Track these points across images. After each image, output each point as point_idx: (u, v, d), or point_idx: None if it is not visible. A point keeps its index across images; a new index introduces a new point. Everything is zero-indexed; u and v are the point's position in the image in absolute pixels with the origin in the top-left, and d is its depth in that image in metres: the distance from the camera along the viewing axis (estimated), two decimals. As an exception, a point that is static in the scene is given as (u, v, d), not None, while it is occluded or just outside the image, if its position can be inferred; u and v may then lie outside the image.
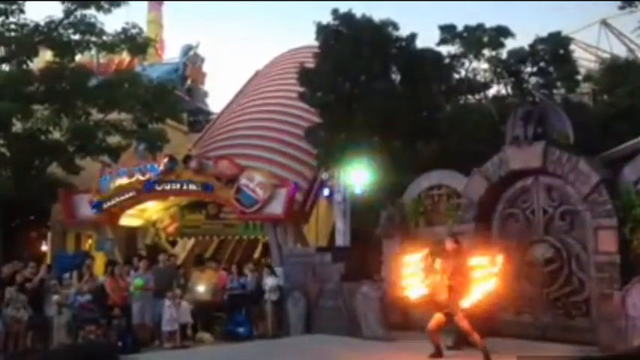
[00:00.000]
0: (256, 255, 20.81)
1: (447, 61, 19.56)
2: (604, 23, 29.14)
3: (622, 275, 10.75)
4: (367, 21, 18.40)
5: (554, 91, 18.88)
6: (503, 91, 19.98)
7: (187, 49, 30.41)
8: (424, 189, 13.91)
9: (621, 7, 18.76)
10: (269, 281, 14.98)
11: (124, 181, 17.98)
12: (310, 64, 19.28)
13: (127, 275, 14.48)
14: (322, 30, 18.56)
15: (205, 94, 32.50)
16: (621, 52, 25.48)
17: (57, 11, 18.72)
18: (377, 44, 17.93)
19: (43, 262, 15.96)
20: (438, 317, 9.78)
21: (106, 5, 18.65)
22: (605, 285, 10.85)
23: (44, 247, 21.54)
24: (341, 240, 15.85)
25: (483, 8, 63.72)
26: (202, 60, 31.72)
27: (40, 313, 13.17)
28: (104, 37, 19.14)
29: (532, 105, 12.78)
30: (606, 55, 25.82)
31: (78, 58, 20.32)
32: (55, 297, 13.21)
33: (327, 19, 18.65)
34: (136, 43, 19.71)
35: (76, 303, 13.44)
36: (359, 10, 18.63)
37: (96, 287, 14.01)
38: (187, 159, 18.02)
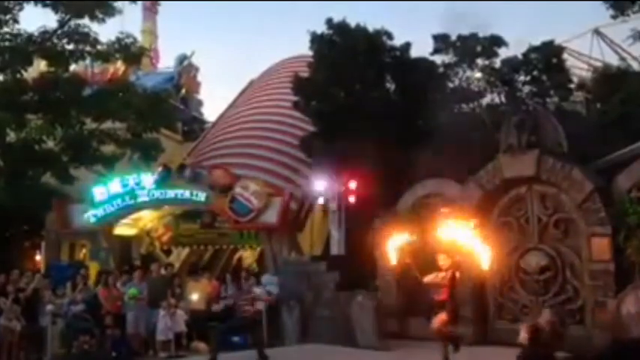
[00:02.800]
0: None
1: (440, 70, 19.68)
2: (596, 32, 29.28)
3: (616, 283, 10.79)
4: (361, 30, 18.50)
5: (548, 100, 19.01)
6: (497, 100, 20.12)
7: (182, 59, 30.39)
8: (419, 197, 13.94)
9: (614, 16, 18.91)
10: (257, 291, 15.01)
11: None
12: (305, 73, 19.34)
13: (122, 285, 14.42)
14: (317, 39, 18.64)
15: (200, 103, 32.49)
16: (614, 60, 25.64)
17: (51, 21, 18.74)
18: (371, 53, 18.03)
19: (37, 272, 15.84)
20: None
21: (100, 15, 18.65)
22: (600, 293, 10.89)
23: (38, 257, 21.43)
24: (336, 249, 15.82)
25: (477, 17, 63.98)
26: (197, 69, 31.70)
27: (33, 324, 13.08)
28: (98, 47, 19.13)
29: (526, 113, 12.84)
30: (599, 64, 25.94)
31: (72, 67, 20.30)
32: (49, 307, 13.13)
33: (321, 28, 18.75)
34: (130, 52, 19.72)
35: (70, 313, 13.36)
36: (353, 19, 18.73)
37: (90, 297, 13.94)
38: (182, 168, 17.98)
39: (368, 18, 20.31)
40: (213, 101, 71.49)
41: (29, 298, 13.22)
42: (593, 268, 11.11)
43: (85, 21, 18.69)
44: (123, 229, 18.95)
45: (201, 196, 17.25)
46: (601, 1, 18.23)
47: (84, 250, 19.50)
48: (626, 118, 16.59)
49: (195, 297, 15.04)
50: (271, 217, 16.69)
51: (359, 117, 17.23)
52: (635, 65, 22.81)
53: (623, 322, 10.27)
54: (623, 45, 24.12)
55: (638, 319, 10.16)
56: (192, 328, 14.34)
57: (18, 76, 18.62)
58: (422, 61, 19.05)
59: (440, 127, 18.22)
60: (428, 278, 9.54)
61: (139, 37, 25.14)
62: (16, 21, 18.52)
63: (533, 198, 12.19)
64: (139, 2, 23.36)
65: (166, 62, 32.79)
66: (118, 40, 19.34)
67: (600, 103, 19.82)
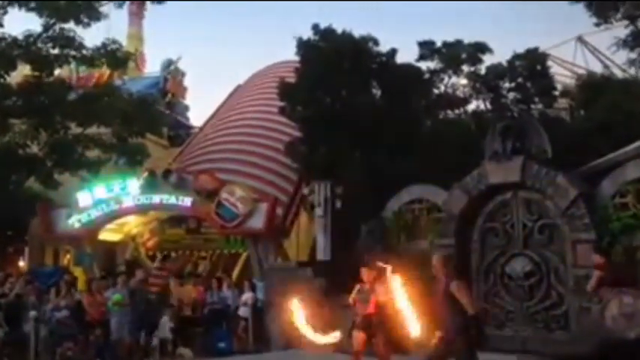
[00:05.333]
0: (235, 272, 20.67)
1: (426, 76, 19.75)
2: (580, 40, 29.60)
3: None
4: (347, 36, 18.53)
5: (532, 106, 19.13)
6: (482, 107, 20.24)
7: (168, 64, 30.32)
8: (405, 203, 13.97)
9: (597, 24, 19.10)
10: (244, 297, 14.99)
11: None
12: (291, 78, 19.34)
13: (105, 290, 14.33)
14: (303, 45, 18.64)
15: (186, 108, 32.40)
16: (597, 68, 25.93)
17: (36, 25, 18.61)
18: (357, 59, 18.06)
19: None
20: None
21: (85, 19, 18.54)
22: (584, 298, 10.96)
23: (21, 263, 21.24)
24: (322, 254, 15.81)
25: (462, 24, 64.59)
26: (183, 74, 31.64)
27: (16, 330, 12.95)
28: (83, 51, 19.01)
29: (511, 120, 12.93)
30: (582, 71, 26.19)
31: (57, 72, 20.17)
32: (33, 313, 13.01)
33: (307, 34, 18.78)
34: (115, 57, 19.61)
35: (53, 319, 13.25)
36: (339, 25, 18.79)
37: (73, 303, 13.83)
38: (167, 173, 17.91)
39: (354, 24, 20.36)
40: (200, 106, 71.54)
41: (12, 304, 13.10)
42: (578, 274, 11.19)
43: (71, 25, 18.58)
44: (108, 234, 18.84)
45: (187, 202, 17.20)
46: (584, 9, 18.42)
47: (68, 256, 19.36)
48: (609, 125, 16.74)
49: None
50: (257, 222, 16.68)
51: (345, 122, 17.26)
52: (618, 72, 23.06)
53: (607, 328, 10.34)
54: (606, 52, 24.42)
55: (622, 324, 10.25)
56: (177, 334, 14.28)
57: (2, 80, 18.46)
58: (408, 68, 19.11)
59: (425, 134, 18.30)
60: (353, 295, 9.50)
61: (125, 42, 25.07)
62: (0, 25, 18.38)
63: (519, 204, 12.25)
64: (125, 7, 23.32)
65: (152, 67, 32.75)
66: (104, 45, 19.23)
67: (584, 110, 19.99)
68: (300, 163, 18.44)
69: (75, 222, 17.69)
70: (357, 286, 9.48)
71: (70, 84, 20.72)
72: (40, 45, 18.70)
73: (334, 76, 17.74)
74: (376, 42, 18.67)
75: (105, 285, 14.58)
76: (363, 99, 17.84)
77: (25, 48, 18.47)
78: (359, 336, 9.26)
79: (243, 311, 14.81)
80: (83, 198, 17.76)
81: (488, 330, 11.93)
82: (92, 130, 19.50)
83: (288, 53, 20.86)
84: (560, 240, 11.70)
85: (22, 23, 18.91)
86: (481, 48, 19.74)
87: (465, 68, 19.97)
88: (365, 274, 9.45)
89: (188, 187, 17.36)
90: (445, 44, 20.06)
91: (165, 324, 13.93)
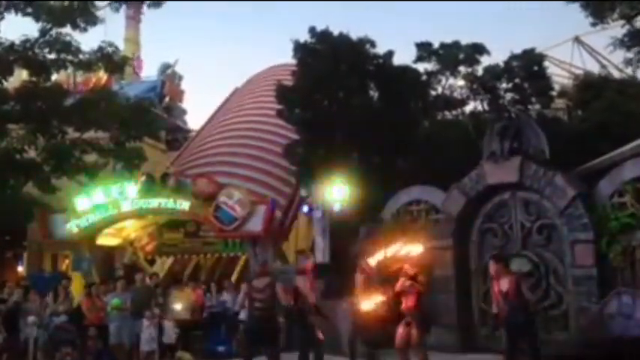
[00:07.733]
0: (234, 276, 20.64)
1: (423, 77, 19.78)
2: (577, 40, 29.62)
3: (599, 288, 10.86)
4: (344, 38, 18.54)
5: (530, 107, 19.16)
6: (480, 107, 20.28)
7: (165, 67, 30.35)
8: (403, 204, 13.95)
9: (593, 24, 19.11)
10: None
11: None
12: (288, 81, 19.35)
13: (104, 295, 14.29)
14: (300, 47, 18.66)
15: (183, 112, 32.42)
16: (594, 68, 25.97)
17: (32, 30, 18.59)
18: (354, 61, 18.07)
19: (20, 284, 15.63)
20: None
21: (82, 24, 18.52)
22: (583, 298, 10.95)
23: (20, 268, 21.20)
24: (320, 257, 15.79)
25: (459, 25, 64.72)
26: (180, 78, 31.67)
27: (15, 335, 12.91)
28: (80, 56, 18.98)
29: (508, 120, 12.93)
30: (579, 72, 26.22)
31: (54, 76, 20.14)
32: (32, 318, 12.96)
33: (304, 37, 18.79)
34: (112, 61, 19.58)
35: (52, 324, 13.22)
36: (336, 28, 18.80)
37: (72, 308, 13.79)
38: (165, 177, 17.88)
39: (351, 26, 20.37)
40: (197, 110, 71.61)
41: (11, 310, 13.06)
42: (576, 274, 11.18)
43: (67, 30, 18.56)
44: (106, 239, 18.79)
45: (185, 205, 17.18)
46: (581, 9, 18.43)
47: (67, 261, 19.31)
48: (607, 125, 16.76)
49: (178, 307, 14.95)
50: (256, 225, 16.65)
51: (342, 125, 17.26)
52: (615, 73, 23.09)
53: (606, 328, 10.34)
54: (603, 53, 24.44)
55: (621, 324, 10.25)
56: (176, 338, 14.24)
57: (-1, 85, 18.46)
58: (405, 69, 19.13)
59: (423, 135, 18.32)
60: (398, 286, 9.78)
61: (122, 46, 25.07)
62: (-3, 30, 18.36)
63: (517, 204, 12.25)
64: (122, 11, 23.29)
65: (150, 71, 32.77)
66: (100, 49, 19.20)
67: (581, 110, 20.03)
68: (299, 165, 18.43)
69: (73, 227, 17.65)
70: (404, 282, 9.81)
71: (68, 89, 20.69)
72: (37, 50, 18.65)
73: (332, 78, 17.75)
74: (373, 44, 18.70)
75: (104, 289, 14.57)
76: (361, 101, 17.86)
77: (22, 53, 18.43)
78: (402, 331, 9.60)
79: (242, 314, 14.76)
80: (81, 203, 17.72)
81: (487, 331, 11.96)
82: (90, 134, 19.44)
83: (285, 56, 20.90)
84: (558, 240, 11.70)
85: (18, 28, 18.90)
86: (478, 49, 19.79)
87: (463, 69, 20.02)
88: (409, 270, 9.76)
89: (186, 190, 17.33)
90: (442, 45, 20.11)
91: (171, 329, 13.88)
